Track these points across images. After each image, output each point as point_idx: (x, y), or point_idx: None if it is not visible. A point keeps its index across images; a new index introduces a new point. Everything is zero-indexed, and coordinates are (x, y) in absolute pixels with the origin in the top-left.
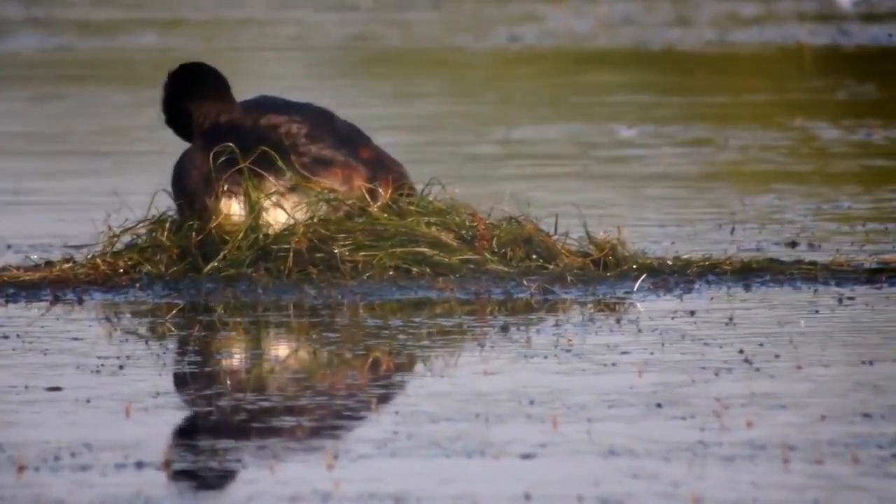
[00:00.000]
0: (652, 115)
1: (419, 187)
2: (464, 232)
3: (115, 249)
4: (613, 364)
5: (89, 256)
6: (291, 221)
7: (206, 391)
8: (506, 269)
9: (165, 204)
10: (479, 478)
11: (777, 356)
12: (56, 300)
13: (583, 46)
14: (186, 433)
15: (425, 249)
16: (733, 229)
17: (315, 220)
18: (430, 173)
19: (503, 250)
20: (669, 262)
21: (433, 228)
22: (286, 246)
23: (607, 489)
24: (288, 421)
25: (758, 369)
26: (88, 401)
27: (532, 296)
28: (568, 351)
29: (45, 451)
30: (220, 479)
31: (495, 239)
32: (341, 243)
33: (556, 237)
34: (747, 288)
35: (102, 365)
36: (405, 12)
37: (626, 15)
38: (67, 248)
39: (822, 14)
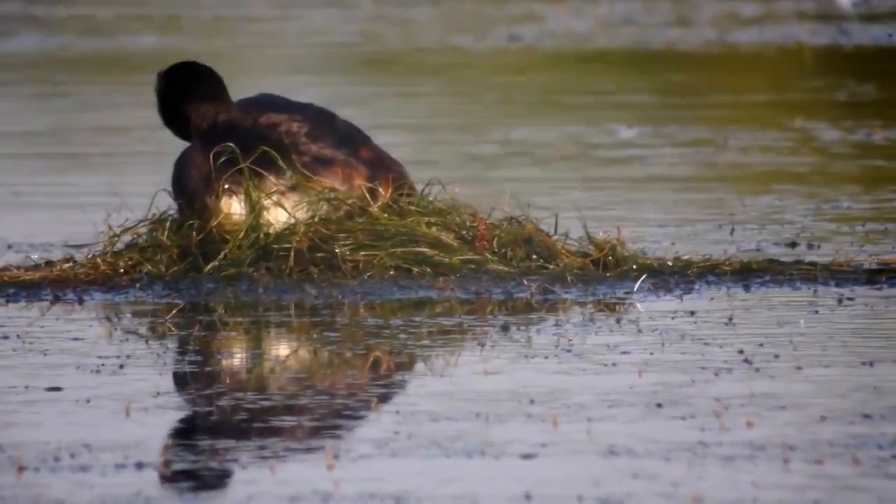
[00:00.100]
0: (652, 115)
1: (419, 187)
2: (464, 232)
3: (115, 249)
4: (613, 364)
5: (89, 256)
6: (292, 221)
7: (207, 391)
8: (506, 269)
9: (165, 204)
10: (479, 478)
11: (777, 356)
12: (56, 300)
13: (583, 46)
14: (186, 433)
15: (426, 249)
16: (733, 230)
17: (316, 220)
18: (430, 173)
19: (503, 250)
20: (669, 263)
21: (433, 228)
22: (287, 245)
23: (607, 489)
24: (288, 421)
25: (758, 369)
26: (88, 401)
27: (532, 296)
28: (568, 351)
29: (45, 452)
30: (220, 479)
31: (496, 239)
32: (342, 243)
33: (556, 237)
34: (747, 288)
35: (102, 365)
36: (407, 7)
37: (626, 15)
38: (67, 247)
39: (822, 14)
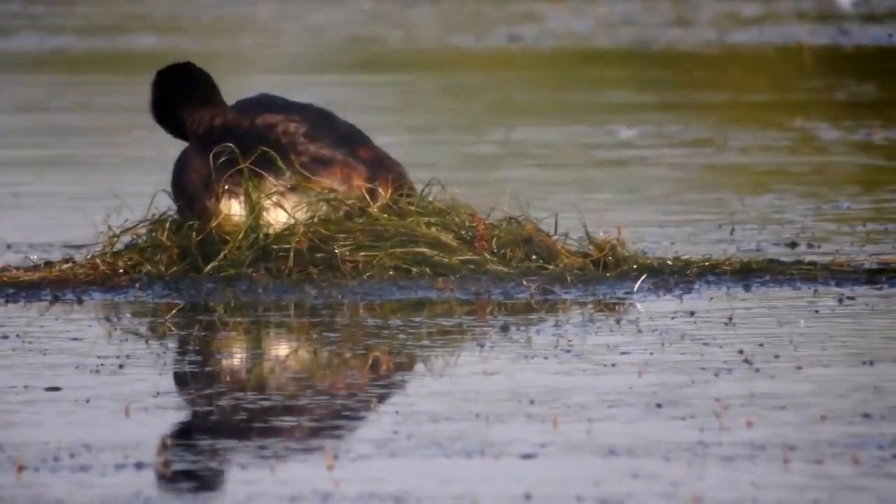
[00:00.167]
0: (652, 115)
1: (419, 187)
2: (464, 232)
3: (115, 249)
4: (613, 364)
5: (89, 256)
6: (292, 221)
7: (207, 391)
8: (506, 269)
9: (165, 204)
10: (479, 478)
11: (777, 356)
12: (56, 300)
13: (583, 46)
14: (186, 433)
15: (425, 250)
16: (733, 230)
17: (315, 220)
18: (430, 173)
19: (503, 250)
20: (669, 263)
21: (433, 229)
22: (286, 246)
23: (607, 489)
24: (288, 421)
25: (758, 369)
26: (88, 401)
27: (532, 296)
28: (568, 351)
29: (44, 452)
30: (220, 479)
31: (495, 239)
32: (342, 243)
33: (555, 237)
34: (747, 288)
35: (102, 365)
36: (407, 6)
37: (626, 15)
38: (67, 248)
39: (822, 14)
